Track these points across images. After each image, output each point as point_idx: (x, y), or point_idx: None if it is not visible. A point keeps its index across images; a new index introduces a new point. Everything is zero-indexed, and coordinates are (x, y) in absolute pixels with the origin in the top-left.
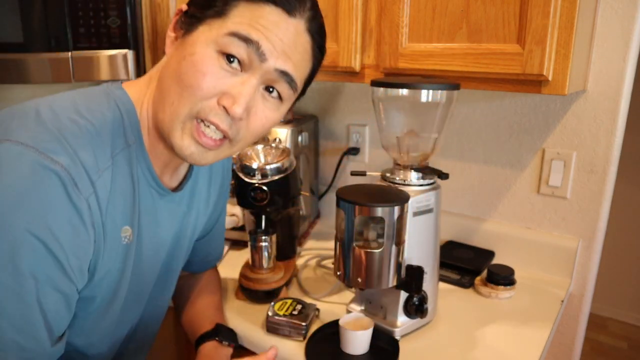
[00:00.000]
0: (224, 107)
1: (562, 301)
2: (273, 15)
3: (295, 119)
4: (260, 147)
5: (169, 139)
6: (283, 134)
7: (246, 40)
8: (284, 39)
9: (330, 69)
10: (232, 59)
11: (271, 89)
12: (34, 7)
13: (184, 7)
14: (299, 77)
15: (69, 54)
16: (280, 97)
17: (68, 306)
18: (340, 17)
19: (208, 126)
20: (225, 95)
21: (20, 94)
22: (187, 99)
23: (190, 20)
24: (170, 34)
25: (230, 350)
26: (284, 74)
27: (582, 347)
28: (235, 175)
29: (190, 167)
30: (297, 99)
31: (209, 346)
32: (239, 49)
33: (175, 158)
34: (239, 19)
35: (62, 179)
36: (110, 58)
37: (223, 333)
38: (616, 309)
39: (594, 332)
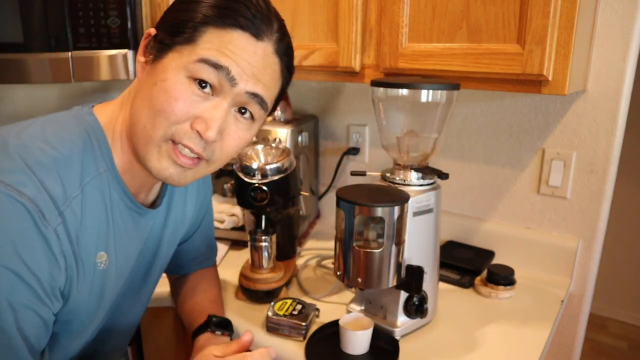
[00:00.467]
0: (197, 131)
1: (562, 301)
2: (241, 40)
3: (295, 119)
4: (260, 147)
5: (145, 162)
6: (283, 134)
7: (216, 66)
8: (252, 63)
9: (330, 69)
10: (204, 84)
11: (243, 110)
12: (34, 7)
13: (152, 31)
14: (269, 98)
15: (69, 54)
16: (252, 117)
17: (46, 328)
18: (340, 17)
19: (183, 148)
20: (198, 119)
21: (20, 94)
22: (160, 123)
23: (159, 45)
24: (140, 59)
25: (226, 339)
26: (255, 96)
27: (582, 347)
28: (235, 175)
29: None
30: (268, 115)
31: (203, 338)
32: (209, 75)
33: (151, 178)
34: (208, 45)
35: (29, 211)
36: (110, 58)
37: (215, 323)
38: (616, 309)
39: (594, 332)
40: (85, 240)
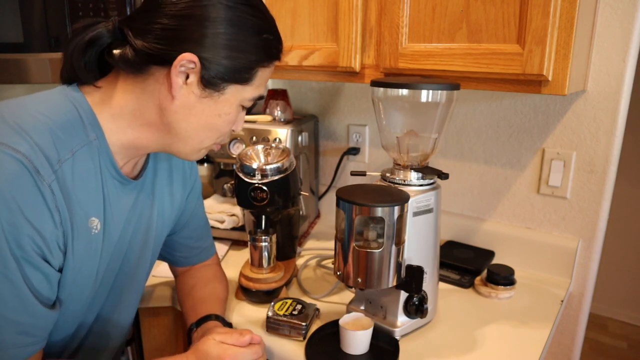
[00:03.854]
0: (232, 130)
1: (562, 301)
2: (273, 66)
3: (295, 119)
4: (260, 147)
5: (185, 157)
6: (283, 134)
7: (261, 98)
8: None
9: (330, 69)
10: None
11: None
12: (34, 7)
13: (197, 62)
14: None
15: None
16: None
17: (50, 283)
18: (340, 17)
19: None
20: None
21: (20, 94)
22: (215, 138)
23: (213, 80)
24: (178, 81)
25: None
26: (261, 97)
27: (581, 347)
28: (235, 175)
29: (147, 157)
30: None
31: (206, 327)
32: (252, 102)
33: (144, 154)
34: (258, 81)
35: (25, 166)
36: None
37: (219, 320)
38: (616, 309)
39: (594, 332)
40: (77, 202)
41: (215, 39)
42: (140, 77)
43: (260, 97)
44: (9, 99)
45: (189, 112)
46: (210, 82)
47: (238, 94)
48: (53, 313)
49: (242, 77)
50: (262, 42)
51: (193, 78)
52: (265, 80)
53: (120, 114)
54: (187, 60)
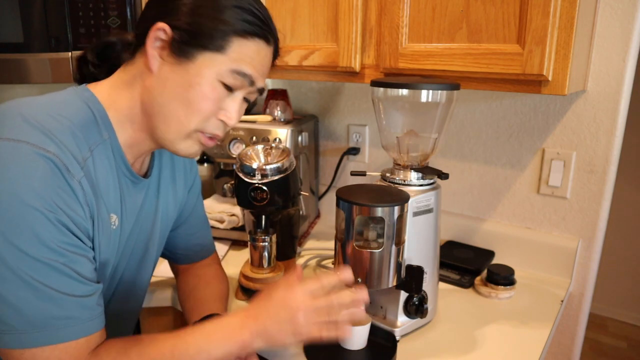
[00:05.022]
0: (222, 120)
1: (562, 301)
2: (260, 48)
3: (295, 119)
4: (260, 147)
5: (172, 146)
6: (283, 134)
7: (243, 75)
8: (265, 65)
9: (330, 69)
10: (229, 87)
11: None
12: (34, 7)
13: (167, 29)
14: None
15: (69, 54)
16: (248, 100)
17: (92, 264)
18: (340, 17)
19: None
20: (222, 111)
21: (20, 94)
22: (195, 118)
23: (183, 47)
24: (154, 53)
25: None
26: (260, 90)
27: (581, 347)
28: (235, 175)
29: (153, 155)
30: None
31: None
32: (236, 81)
33: (148, 151)
34: (235, 55)
35: (56, 164)
36: None
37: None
38: (616, 309)
39: (593, 332)
40: (101, 197)
41: (182, 6)
42: (133, 65)
43: (261, 91)
44: (22, 99)
45: (163, 85)
46: (180, 48)
47: (210, 63)
48: (100, 286)
49: (213, 43)
50: (233, 11)
51: (165, 46)
52: (247, 57)
53: (122, 109)
54: (158, 29)
